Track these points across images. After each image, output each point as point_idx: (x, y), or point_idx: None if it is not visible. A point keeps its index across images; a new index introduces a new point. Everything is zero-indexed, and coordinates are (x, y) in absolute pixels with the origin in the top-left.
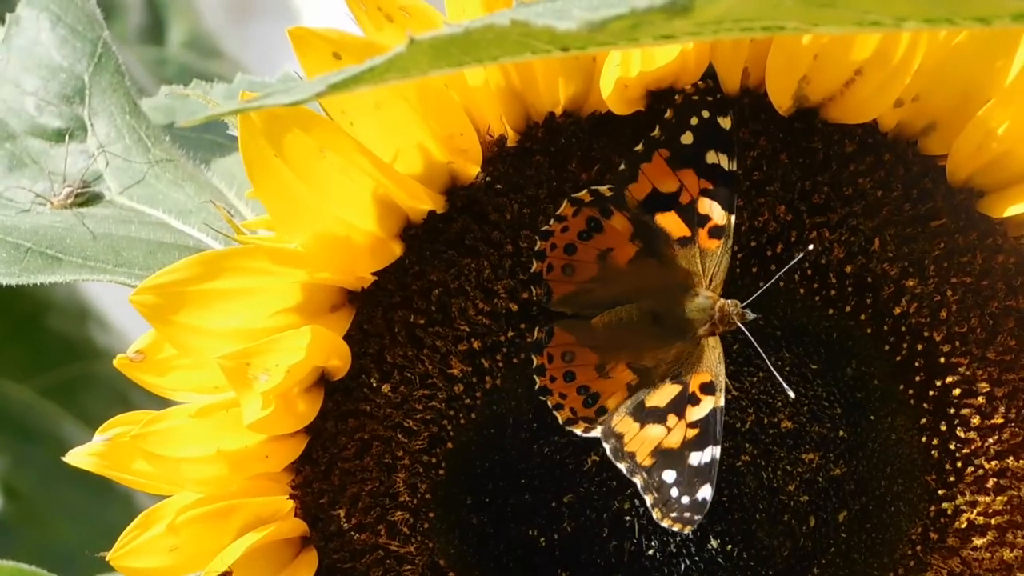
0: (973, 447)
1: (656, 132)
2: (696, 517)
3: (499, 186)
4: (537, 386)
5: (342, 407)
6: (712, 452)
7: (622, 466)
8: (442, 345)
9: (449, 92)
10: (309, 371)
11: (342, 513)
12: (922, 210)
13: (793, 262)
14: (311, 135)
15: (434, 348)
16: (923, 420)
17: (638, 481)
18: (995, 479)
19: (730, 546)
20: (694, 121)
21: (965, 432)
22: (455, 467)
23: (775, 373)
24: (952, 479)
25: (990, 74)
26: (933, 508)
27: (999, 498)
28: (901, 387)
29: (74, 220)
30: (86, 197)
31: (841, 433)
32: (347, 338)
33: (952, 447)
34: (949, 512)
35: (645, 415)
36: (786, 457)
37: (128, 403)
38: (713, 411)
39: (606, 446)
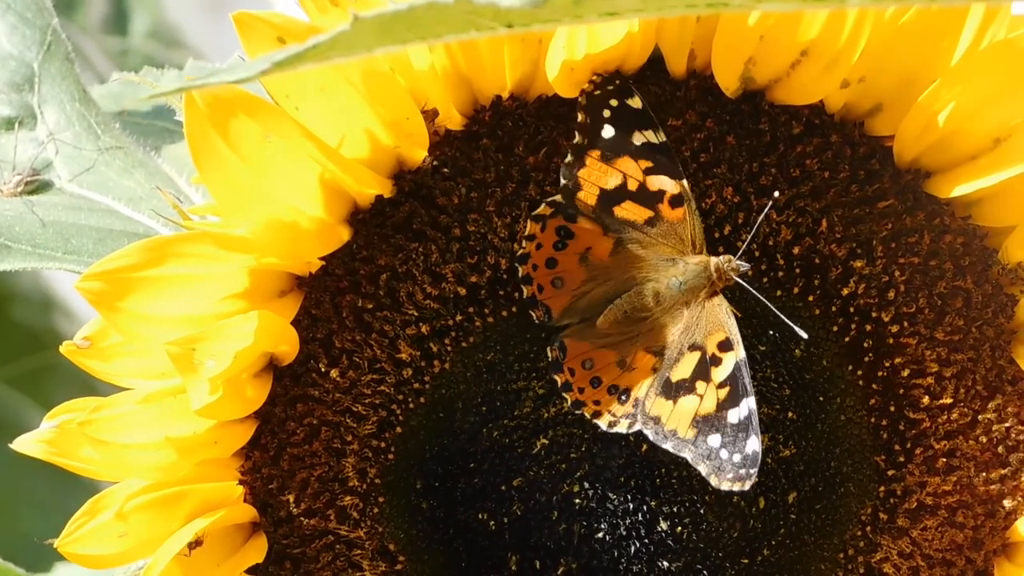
0: (923, 427)
1: (577, 139)
2: (752, 471)
3: (446, 170)
4: (569, 403)
5: (291, 392)
6: (748, 404)
7: (667, 445)
8: (390, 330)
9: (395, 76)
10: (257, 357)
11: (291, 498)
12: (869, 191)
13: (771, 202)
14: (256, 120)
15: (382, 333)
16: (872, 401)
17: (687, 455)
18: (945, 459)
19: (679, 528)
20: (607, 113)
21: (914, 413)
22: (404, 452)
23: (783, 317)
24: (902, 460)
25: (936, 55)
26: (883, 489)
27: (949, 478)
28: (850, 368)
29: (23, 208)
30: (36, 185)
31: (790, 415)
32: (295, 323)
33: (901, 427)
34: (899, 493)
35: (675, 390)
36: None
37: (95, 392)
38: (737, 365)
39: (647, 432)
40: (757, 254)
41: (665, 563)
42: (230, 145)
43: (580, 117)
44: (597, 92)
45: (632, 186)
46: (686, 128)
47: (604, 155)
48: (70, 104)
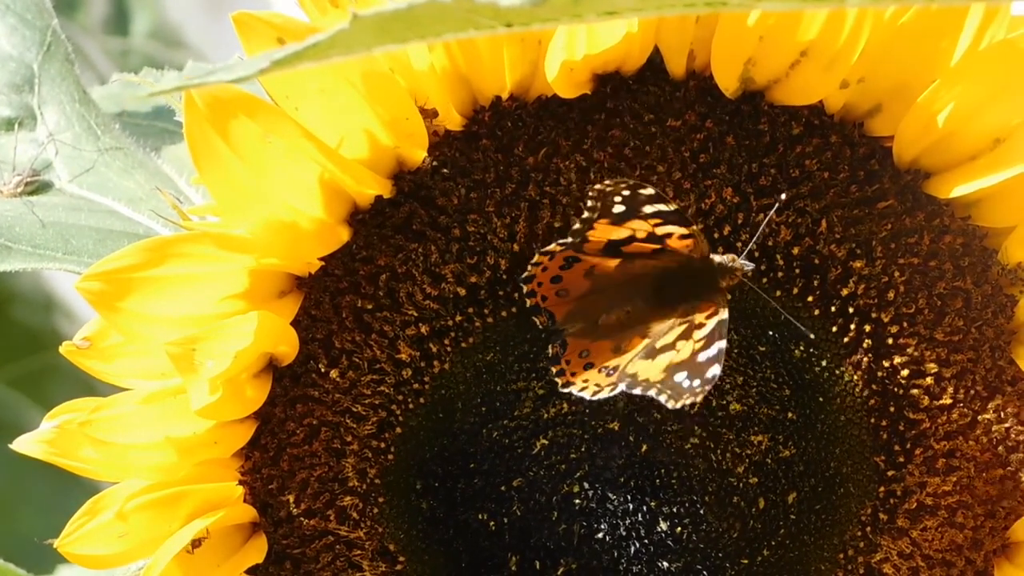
0: (922, 428)
1: (587, 214)
2: (706, 388)
3: (446, 170)
4: (560, 384)
5: (290, 393)
6: (719, 345)
7: (636, 390)
8: (390, 330)
9: (394, 76)
10: (257, 357)
11: (291, 499)
12: (869, 191)
13: (779, 204)
14: (256, 120)
15: (382, 333)
16: (872, 401)
17: (652, 392)
18: (944, 460)
19: (679, 528)
20: (618, 199)
21: (914, 413)
22: (404, 452)
23: (788, 316)
24: (902, 460)
25: (935, 55)
26: (883, 489)
27: (949, 479)
28: (849, 368)
29: (24, 209)
30: (36, 186)
31: (790, 415)
32: (295, 324)
33: (901, 428)
34: (899, 493)
35: (656, 352)
36: (735, 439)
37: (95, 393)
38: (718, 323)
39: (621, 385)
40: (756, 254)
41: (665, 563)
42: (230, 145)
43: (590, 203)
44: (609, 189)
45: (641, 235)
46: (685, 129)
47: (614, 221)
48: (70, 105)
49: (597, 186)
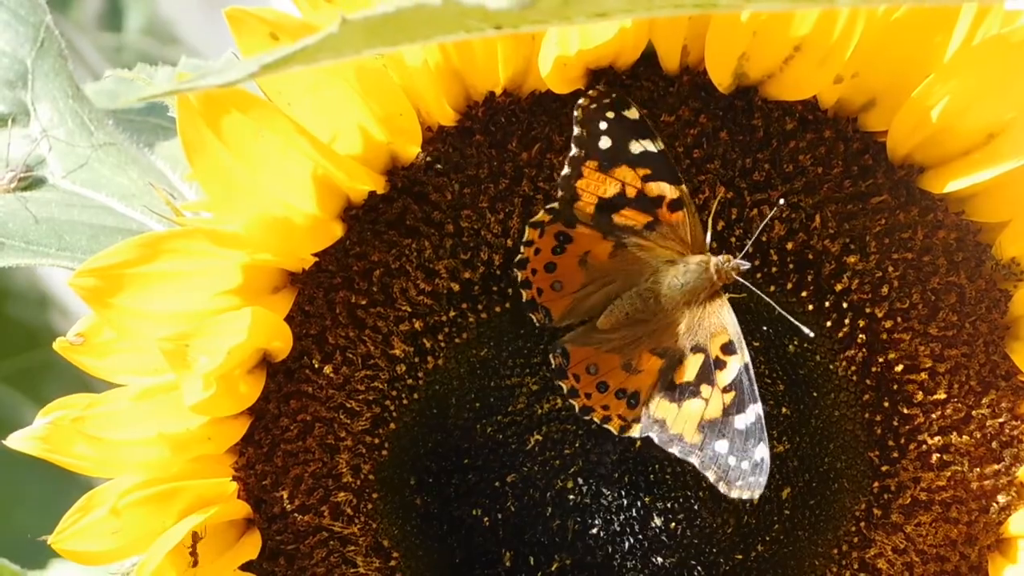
0: (916, 423)
1: (574, 151)
2: (761, 480)
3: (439, 166)
4: (577, 409)
5: (284, 388)
6: (755, 410)
7: (674, 450)
8: (384, 326)
9: (388, 72)
10: (250, 353)
11: (285, 495)
12: (863, 187)
13: (779, 204)
14: (249, 116)
15: (376, 329)
16: (866, 396)
17: (694, 460)
18: (939, 455)
19: (673, 524)
20: (603, 126)
21: (908, 408)
22: (398, 448)
23: (786, 314)
24: (896, 455)
25: (929, 50)
26: (877, 484)
27: (943, 474)
28: (843, 363)
29: (17, 204)
30: (29, 181)
31: (784, 410)
32: (288, 319)
33: (895, 423)
34: (893, 488)
35: (679, 393)
36: None
37: (90, 390)
38: (742, 369)
39: (652, 435)
40: (751, 250)
41: (659, 559)
42: (223, 141)
43: (576, 130)
44: (593, 106)
45: (630, 193)
46: (679, 124)
47: (601, 165)
48: (63, 101)
49: (581, 101)
